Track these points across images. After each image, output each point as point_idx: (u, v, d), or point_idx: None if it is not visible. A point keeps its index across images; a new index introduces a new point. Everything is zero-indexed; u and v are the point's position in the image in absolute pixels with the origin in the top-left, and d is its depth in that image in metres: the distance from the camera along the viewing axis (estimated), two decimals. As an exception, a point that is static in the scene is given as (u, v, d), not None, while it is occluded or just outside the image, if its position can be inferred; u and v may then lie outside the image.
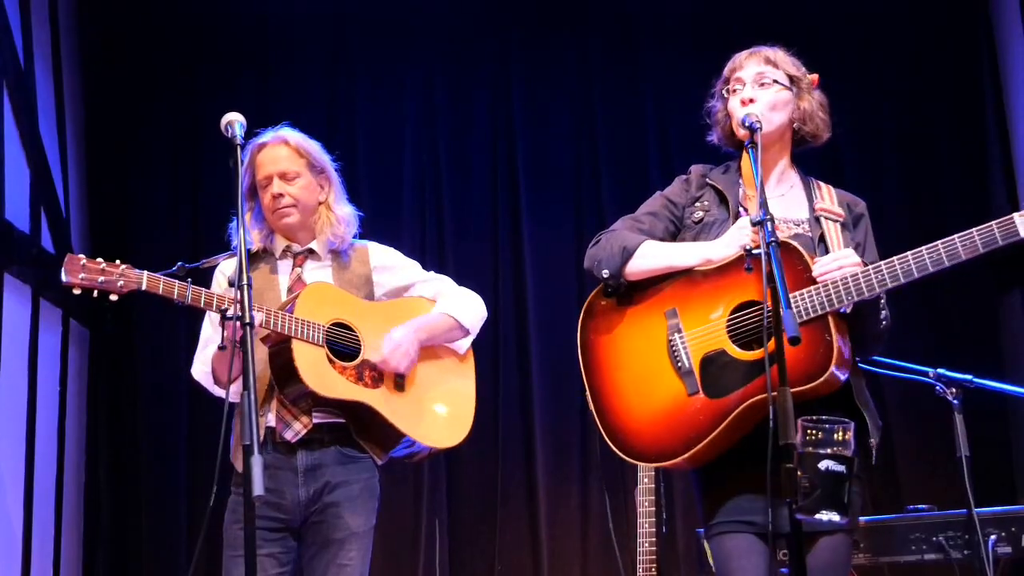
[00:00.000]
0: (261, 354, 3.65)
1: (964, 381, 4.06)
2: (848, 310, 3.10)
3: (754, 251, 2.94)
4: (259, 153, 3.88)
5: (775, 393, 2.76)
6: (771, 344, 2.81)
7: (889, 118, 6.51)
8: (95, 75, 6.46)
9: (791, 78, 3.41)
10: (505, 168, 6.56)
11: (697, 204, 3.45)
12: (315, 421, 3.69)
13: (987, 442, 5.32)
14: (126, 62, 6.51)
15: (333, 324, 3.77)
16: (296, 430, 3.67)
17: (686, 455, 3.14)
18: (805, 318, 3.04)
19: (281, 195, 3.85)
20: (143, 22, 6.53)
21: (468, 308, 4.07)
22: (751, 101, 3.33)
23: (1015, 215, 2.96)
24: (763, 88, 3.36)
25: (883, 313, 3.19)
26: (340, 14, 6.67)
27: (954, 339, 6.08)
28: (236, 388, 3.72)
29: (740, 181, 3.45)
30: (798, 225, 3.31)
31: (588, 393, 3.38)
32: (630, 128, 6.59)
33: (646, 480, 4.47)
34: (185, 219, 6.42)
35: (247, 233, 3.62)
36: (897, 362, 4.13)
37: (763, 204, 2.97)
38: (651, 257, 3.32)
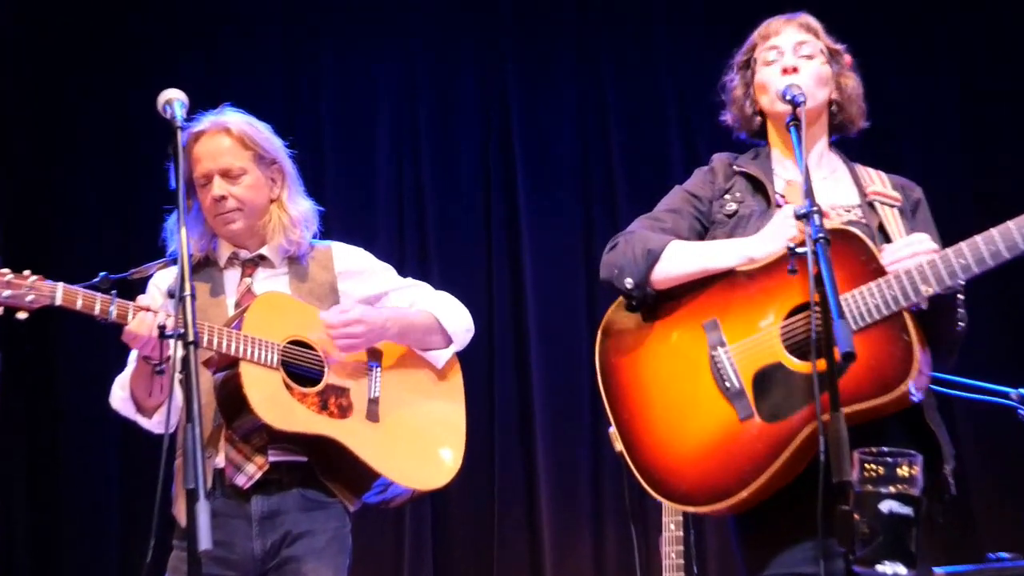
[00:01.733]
0: (204, 382, 3.59)
1: (1053, 404, 4.06)
2: (925, 306, 3.07)
3: (799, 249, 2.91)
4: (195, 144, 3.82)
5: (826, 417, 2.73)
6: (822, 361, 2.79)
7: (949, 93, 6.57)
8: (11, 50, 6.44)
9: (831, 52, 3.45)
10: (498, 155, 6.60)
11: (727, 196, 3.45)
12: (272, 460, 3.65)
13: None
14: (47, 35, 6.49)
15: (290, 342, 3.73)
16: (249, 473, 3.64)
17: (745, 493, 3.09)
18: (877, 317, 3.02)
19: (223, 197, 3.80)
20: (82, 12, 6.53)
21: (453, 312, 4.04)
22: (794, 70, 3.35)
23: None
24: (806, 59, 3.39)
25: (960, 312, 3.18)
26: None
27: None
28: (161, 417, 3.69)
29: (774, 168, 3.45)
30: (848, 211, 3.31)
31: (614, 427, 3.34)
32: (646, 104, 6.64)
33: (672, 526, 4.43)
34: (117, 218, 6.42)
35: (184, 232, 3.48)
36: (971, 381, 4.12)
37: (808, 192, 2.95)
38: (682, 259, 3.30)
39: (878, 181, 3.41)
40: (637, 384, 3.35)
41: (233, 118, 3.87)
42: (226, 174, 3.80)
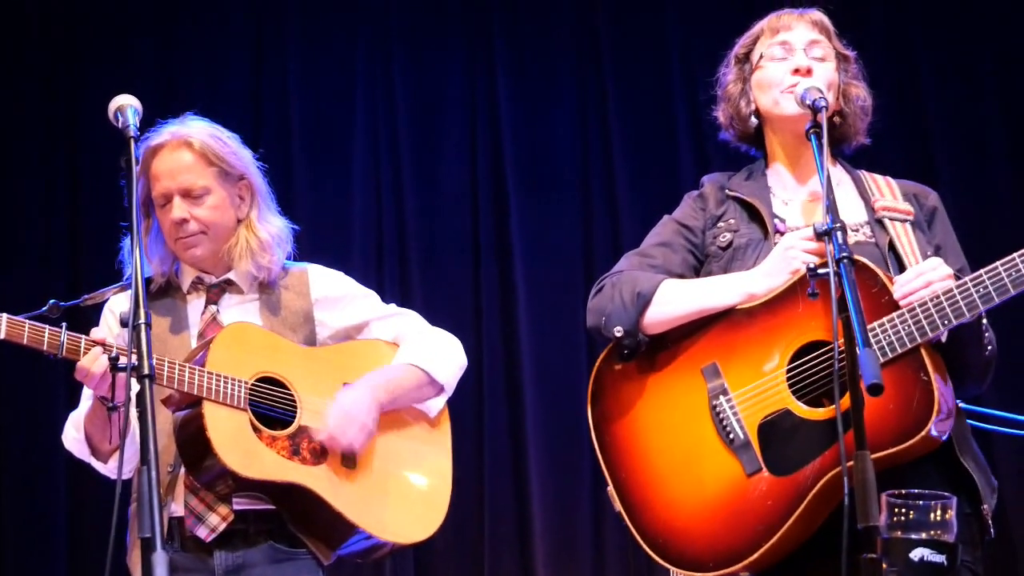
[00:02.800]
0: (163, 422, 3.58)
1: (1102, 440, 4.06)
2: (943, 338, 3.09)
3: (820, 271, 2.91)
4: (153, 159, 3.78)
5: (851, 463, 2.71)
6: (846, 398, 2.78)
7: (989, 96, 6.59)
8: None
9: (841, 56, 3.47)
10: (487, 163, 6.59)
11: (721, 224, 3.45)
12: (237, 509, 3.63)
13: None
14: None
15: (259, 379, 3.71)
16: (212, 525, 3.62)
17: (756, 555, 3.09)
18: (891, 355, 3.03)
19: (185, 220, 3.77)
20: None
21: (443, 356, 4.02)
22: (809, 72, 3.35)
23: None
24: (819, 62, 3.39)
25: (987, 336, 3.19)
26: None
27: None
28: (126, 459, 3.68)
29: (771, 186, 3.46)
30: (856, 231, 3.31)
31: (611, 487, 3.34)
32: (652, 105, 6.64)
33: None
34: (60, 239, 6.38)
35: (143, 258, 3.38)
36: (1011, 415, 4.14)
37: (830, 207, 2.95)
38: (676, 301, 3.30)
39: (887, 192, 3.41)
40: (634, 439, 3.35)
41: (195, 129, 3.82)
42: (187, 194, 3.76)
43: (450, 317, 6.25)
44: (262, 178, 3.96)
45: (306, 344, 3.89)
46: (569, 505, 6.24)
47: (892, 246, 3.28)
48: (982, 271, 3.04)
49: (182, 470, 3.65)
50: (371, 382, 3.86)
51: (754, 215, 3.41)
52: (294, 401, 3.76)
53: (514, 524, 6.29)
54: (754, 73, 3.46)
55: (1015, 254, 3.03)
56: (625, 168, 6.56)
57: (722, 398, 3.22)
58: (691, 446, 3.25)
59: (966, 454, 3.17)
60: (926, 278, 3.09)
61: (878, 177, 3.46)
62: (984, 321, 3.16)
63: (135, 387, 3.60)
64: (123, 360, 3.08)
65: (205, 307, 3.85)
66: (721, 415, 3.21)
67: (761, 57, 3.44)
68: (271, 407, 3.73)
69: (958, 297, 3.04)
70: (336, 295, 4.00)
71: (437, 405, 4.04)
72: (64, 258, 6.34)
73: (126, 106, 3.20)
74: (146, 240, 3.83)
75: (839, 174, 3.47)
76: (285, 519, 3.68)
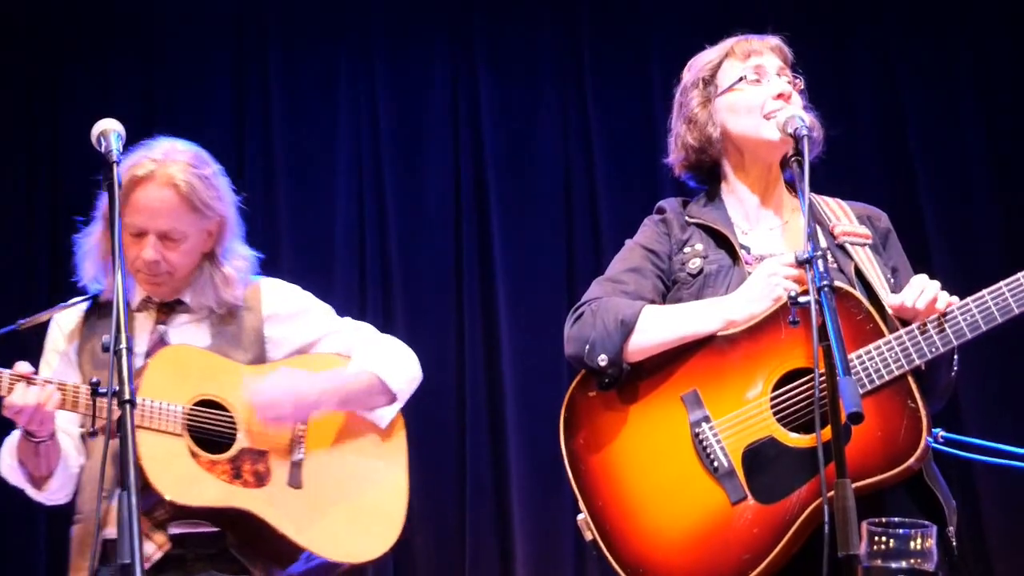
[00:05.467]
0: (99, 449, 3.50)
1: (1083, 468, 4.07)
2: (924, 366, 3.12)
3: (801, 299, 2.92)
4: (135, 190, 3.64)
5: (831, 493, 2.72)
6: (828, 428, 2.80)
7: (972, 113, 6.62)
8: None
9: (798, 86, 3.48)
10: (469, 186, 6.59)
11: (688, 250, 3.45)
12: (175, 533, 3.54)
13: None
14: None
15: (198, 403, 3.64)
16: (147, 554, 3.49)
17: None
18: (878, 382, 3.05)
19: (157, 262, 3.68)
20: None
21: (397, 365, 3.93)
22: (790, 97, 3.37)
23: None
24: (792, 88, 3.42)
25: (955, 358, 3.21)
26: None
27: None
28: (53, 488, 3.63)
29: (731, 215, 3.46)
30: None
31: (586, 517, 3.30)
32: (634, 127, 6.63)
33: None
34: (41, 263, 6.36)
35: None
36: (993, 444, 4.14)
37: (811, 235, 2.96)
38: (659, 328, 3.28)
39: (843, 216, 3.42)
40: (611, 467, 3.32)
41: (181, 168, 3.67)
42: (165, 236, 3.67)
43: (433, 341, 6.31)
44: (236, 211, 3.88)
45: (256, 363, 3.80)
46: (551, 532, 6.21)
47: (859, 272, 3.29)
48: (969, 299, 3.08)
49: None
50: (317, 376, 3.77)
51: (721, 242, 3.41)
52: (234, 423, 3.69)
53: (496, 551, 6.27)
54: (723, 96, 3.45)
55: (1001, 283, 3.06)
56: (607, 190, 6.57)
57: (704, 426, 3.21)
58: (672, 474, 3.24)
59: (931, 479, 3.19)
60: (926, 299, 3.09)
61: (830, 200, 3.48)
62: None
63: (65, 416, 3.58)
64: (103, 386, 2.97)
65: (153, 325, 3.78)
66: (704, 443, 3.20)
67: (740, 79, 3.44)
68: (210, 431, 3.65)
69: (946, 325, 3.06)
70: (288, 311, 3.91)
71: (388, 415, 3.94)
72: (45, 283, 6.29)
73: (109, 131, 3.17)
74: (104, 255, 3.73)
75: (793, 201, 3.48)
76: (229, 543, 3.61)
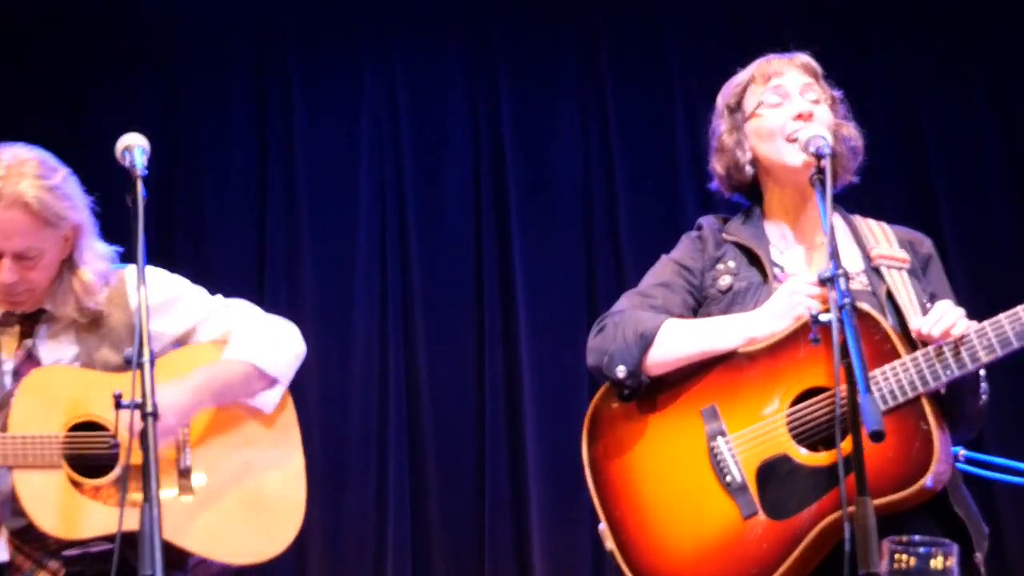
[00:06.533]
0: None
1: (1101, 487, 4.06)
2: (943, 388, 3.11)
3: (822, 317, 2.92)
4: None
5: (851, 508, 2.73)
6: (846, 442, 2.80)
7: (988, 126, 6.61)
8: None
9: (832, 99, 3.47)
10: (490, 204, 6.60)
11: (720, 266, 3.45)
12: (69, 555, 3.40)
13: None
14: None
15: (75, 426, 3.48)
16: None
17: None
18: (892, 403, 3.04)
19: (16, 283, 3.49)
20: (16, 20, 6.53)
21: (273, 347, 3.75)
22: (811, 116, 3.36)
23: None
24: (815, 105, 3.40)
25: (983, 387, 3.20)
26: (268, 12, 6.74)
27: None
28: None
29: (768, 235, 3.47)
30: (852, 279, 3.27)
31: (605, 527, 3.32)
32: (654, 144, 6.66)
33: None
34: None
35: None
36: (1012, 462, 4.13)
37: (833, 254, 2.96)
38: (679, 342, 3.29)
39: (883, 239, 3.41)
40: (630, 478, 3.34)
41: (28, 185, 3.44)
42: (20, 256, 3.47)
43: (452, 355, 6.33)
44: (90, 211, 3.64)
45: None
46: (569, 544, 6.21)
47: (890, 295, 3.29)
48: (985, 323, 3.06)
49: (5, 526, 3.45)
50: (186, 380, 3.56)
51: (753, 260, 3.42)
52: (115, 442, 3.47)
53: (514, 562, 6.26)
54: (749, 121, 3.46)
55: (1019, 307, 3.04)
56: (628, 207, 6.55)
57: (720, 439, 3.22)
58: (688, 487, 3.25)
59: (958, 502, 3.17)
60: (943, 326, 3.08)
61: (873, 223, 3.48)
62: (982, 373, 3.16)
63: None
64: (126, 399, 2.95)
65: (19, 340, 3.61)
66: (719, 457, 3.21)
67: (760, 104, 3.44)
68: (90, 455, 3.48)
69: (961, 348, 3.05)
70: (158, 301, 3.64)
71: (272, 399, 3.78)
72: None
73: (134, 146, 3.17)
74: None
75: (837, 221, 3.45)
76: (129, 558, 3.29)
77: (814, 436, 3.14)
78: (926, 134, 6.49)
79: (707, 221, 3.58)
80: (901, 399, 3.05)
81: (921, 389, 3.05)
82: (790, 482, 3.12)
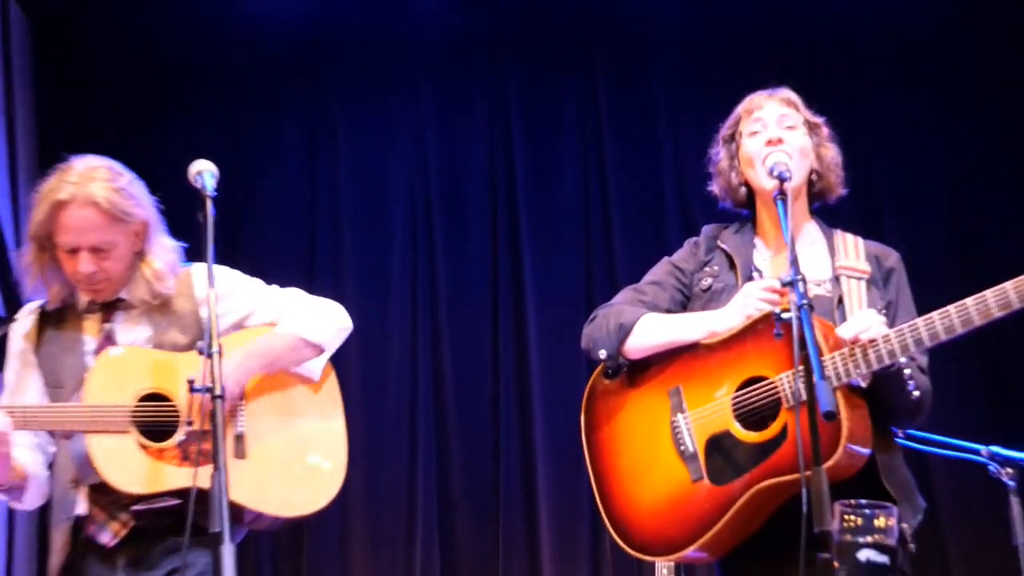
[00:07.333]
0: (62, 449, 3.42)
1: (1020, 460, 4.01)
2: (864, 383, 3.10)
3: (784, 315, 2.91)
4: (61, 213, 3.41)
5: (789, 477, 2.75)
6: (800, 417, 2.83)
7: (932, 151, 6.60)
8: (52, 120, 6.44)
9: (810, 124, 3.45)
10: (505, 223, 6.60)
11: (706, 269, 3.46)
12: (137, 510, 3.38)
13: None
14: (86, 103, 6.49)
15: (142, 398, 3.43)
16: (113, 531, 3.40)
17: (691, 547, 3.16)
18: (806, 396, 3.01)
19: (94, 272, 3.46)
20: (105, 61, 6.57)
21: (318, 321, 3.68)
22: (779, 141, 3.34)
23: None
24: (789, 131, 3.38)
25: (911, 384, 3.15)
26: (317, 53, 6.75)
27: (1010, 413, 6.07)
28: (30, 500, 3.49)
29: (755, 240, 3.46)
30: (819, 286, 3.31)
31: (592, 482, 3.40)
32: (644, 174, 6.65)
33: (665, 572, 4.43)
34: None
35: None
36: (945, 439, 4.10)
37: (794, 262, 2.95)
38: (651, 333, 3.34)
39: (852, 252, 3.38)
40: (611, 443, 3.41)
41: (98, 188, 3.43)
42: (96, 249, 3.44)
43: (472, 350, 6.32)
44: (156, 210, 3.61)
45: (196, 342, 3.45)
46: (571, 506, 6.20)
47: (841, 300, 3.28)
48: (891, 331, 3.04)
49: (84, 484, 3.42)
50: (240, 349, 3.52)
51: (733, 264, 3.41)
52: (178, 411, 3.43)
53: (524, 522, 6.27)
54: (739, 150, 3.45)
55: (919, 319, 3.03)
56: (620, 226, 6.56)
57: (680, 416, 3.27)
58: (652, 453, 3.31)
59: (889, 478, 3.14)
60: (855, 329, 3.07)
61: (849, 237, 3.45)
62: (907, 371, 3.12)
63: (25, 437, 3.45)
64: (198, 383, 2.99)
65: (100, 325, 3.55)
66: (677, 430, 3.26)
67: (741, 135, 3.44)
68: (157, 422, 3.41)
69: (869, 351, 3.04)
70: (219, 292, 3.49)
71: (318, 365, 3.69)
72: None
73: (204, 170, 3.18)
74: (42, 270, 3.53)
75: (815, 233, 3.46)
76: (193, 513, 3.20)
77: (753, 416, 3.15)
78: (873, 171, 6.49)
79: (707, 229, 3.58)
80: None
81: (836, 383, 3.04)
82: (730, 454, 3.16)
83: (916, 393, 3.17)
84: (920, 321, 3.02)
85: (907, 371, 3.12)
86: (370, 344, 6.17)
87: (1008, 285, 2.95)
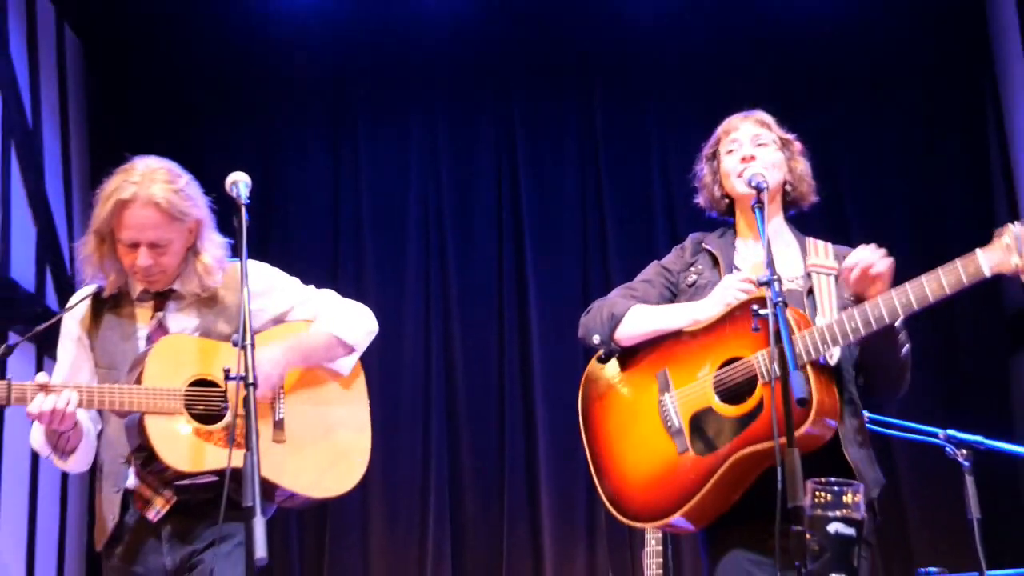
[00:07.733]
0: (114, 424, 3.43)
1: (974, 443, 4.02)
2: (831, 360, 3.12)
3: (761, 311, 2.94)
4: (124, 211, 3.40)
5: (765, 445, 2.79)
6: (774, 397, 2.86)
7: (896, 160, 6.62)
8: (101, 132, 6.51)
9: (782, 141, 3.51)
10: (511, 230, 6.62)
11: (691, 268, 3.51)
12: (180, 485, 3.39)
13: (998, 504, 5.31)
14: (132, 118, 6.53)
15: (193, 383, 3.42)
16: (157, 508, 3.40)
17: (678, 513, 3.19)
18: (778, 373, 3.00)
19: (151, 266, 3.45)
20: (148, 79, 6.61)
21: (351, 322, 3.69)
22: (752, 158, 3.41)
23: (977, 250, 2.96)
24: (762, 147, 3.44)
25: (900, 337, 3.18)
26: (342, 78, 6.78)
27: (965, 399, 6.10)
28: (78, 461, 3.49)
29: (736, 243, 3.51)
30: (792, 281, 3.35)
31: (589, 458, 3.43)
32: (636, 188, 6.67)
33: (653, 542, 4.45)
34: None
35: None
36: (906, 423, 4.13)
37: (770, 263, 2.99)
38: (639, 321, 3.39)
39: (822, 253, 3.42)
40: (606, 422, 3.44)
41: (158, 188, 3.42)
42: (154, 245, 3.43)
43: (480, 344, 6.34)
44: (208, 209, 3.58)
45: None
46: (569, 484, 6.22)
47: (811, 291, 3.31)
48: (853, 309, 3.06)
49: (132, 463, 3.43)
50: (282, 343, 3.55)
51: (716, 263, 3.46)
52: (224, 397, 3.42)
53: (527, 497, 6.29)
54: (719, 166, 3.51)
55: (877, 297, 3.04)
56: (614, 233, 6.59)
57: (666, 395, 3.30)
58: (642, 430, 3.33)
59: (853, 454, 3.15)
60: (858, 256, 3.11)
61: (819, 242, 3.48)
62: (896, 326, 3.13)
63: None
64: (233, 372, 2.93)
65: (152, 312, 3.54)
66: (664, 407, 3.29)
67: (720, 154, 3.51)
68: (205, 406, 3.42)
69: (835, 328, 3.05)
70: (262, 288, 3.59)
71: (348, 364, 3.70)
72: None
73: (239, 181, 3.18)
74: (101, 261, 3.50)
75: (789, 237, 3.50)
76: (231, 490, 3.13)
77: (732, 392, 3.18)
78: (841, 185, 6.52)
79: (693, 235, 3.62)
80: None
81: (805, 359, 3.05)
82: (712, 428, 3.18)
83: (906, 346, 3.21)
84: (879, 298, 3.04)
85: (902, 332, 3.16)
86: (388, 341, 6.14)
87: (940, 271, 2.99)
